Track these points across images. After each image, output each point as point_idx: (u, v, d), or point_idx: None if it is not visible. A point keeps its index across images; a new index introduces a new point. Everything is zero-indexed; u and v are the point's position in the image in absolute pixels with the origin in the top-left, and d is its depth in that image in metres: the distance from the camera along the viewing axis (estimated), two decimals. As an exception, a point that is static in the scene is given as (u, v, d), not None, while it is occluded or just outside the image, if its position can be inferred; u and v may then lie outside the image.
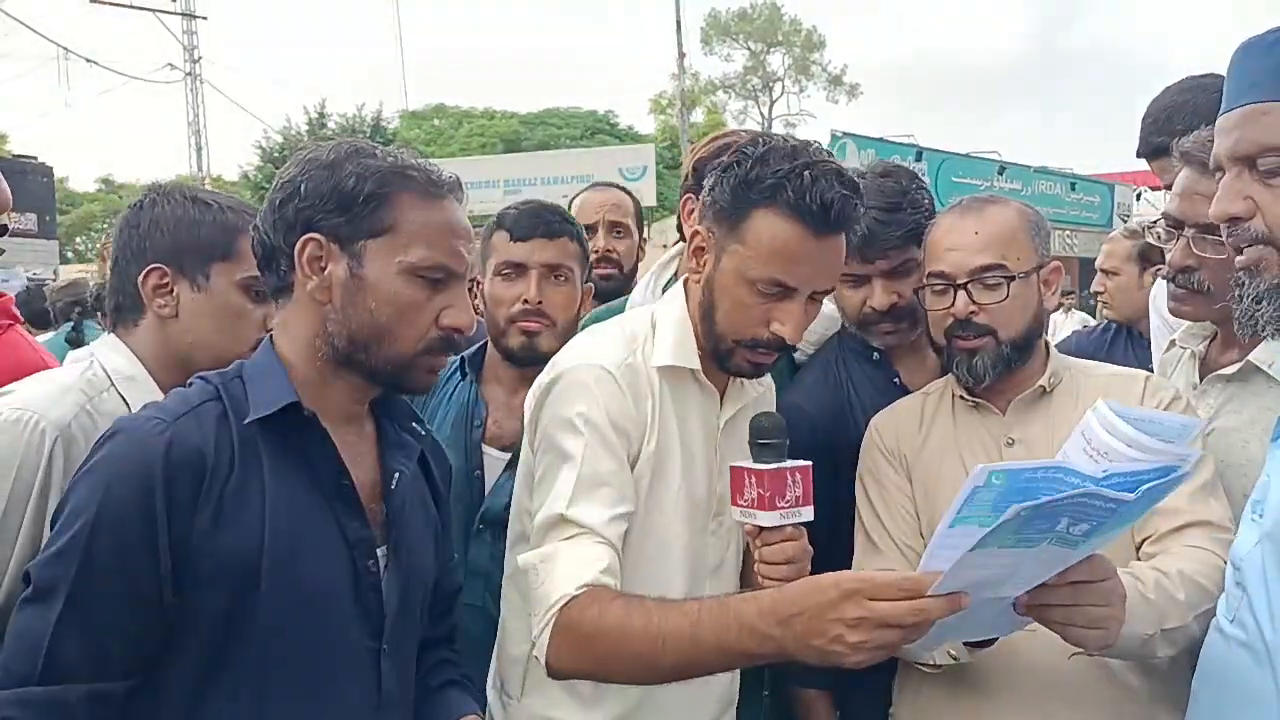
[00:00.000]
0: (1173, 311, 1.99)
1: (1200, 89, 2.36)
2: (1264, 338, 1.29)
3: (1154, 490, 1.14)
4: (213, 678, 1.28)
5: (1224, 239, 1.31)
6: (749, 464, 1.57)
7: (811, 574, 1.29)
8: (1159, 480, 1.14)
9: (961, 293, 1.78)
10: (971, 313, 1.77)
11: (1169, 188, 2.30)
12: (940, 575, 1.14)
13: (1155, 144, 2.39)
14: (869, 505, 1.89)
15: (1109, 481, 1.12)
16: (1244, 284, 1.27)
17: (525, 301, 2.14)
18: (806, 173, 1.55)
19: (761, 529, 1.54)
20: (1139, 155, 2.52)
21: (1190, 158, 1.83)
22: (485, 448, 2.18)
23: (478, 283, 2.26)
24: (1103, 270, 3.96)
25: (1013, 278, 1.76)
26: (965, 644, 1.60)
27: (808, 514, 1.55)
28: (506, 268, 2.18)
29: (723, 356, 1.68)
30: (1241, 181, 1.25)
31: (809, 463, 1.57)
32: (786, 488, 1.53)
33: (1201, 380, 1.95)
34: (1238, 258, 1.27)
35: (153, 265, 1.68)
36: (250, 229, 1.66)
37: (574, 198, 3.24)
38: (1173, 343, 2.09)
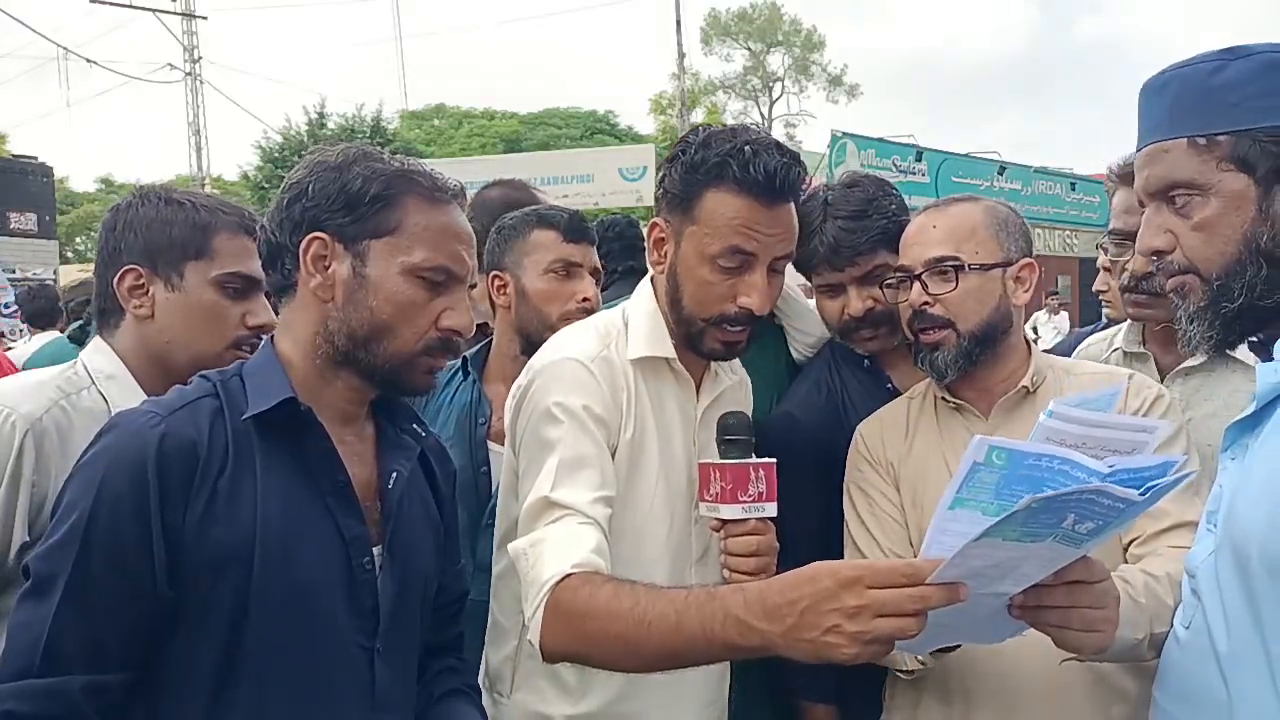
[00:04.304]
0: (1134, 316, 2.17)
1: None
2: (1199, 353, 1.37)
3: (1157, 490, 1.13)
4: (208, 671, 1.28)
5: (1154, 270, 1.40)
6: (714, 460, 1.62)
7: None
8: (1160, 479, 1.13)
9: (917, 283, 1.81)
10: (925, 303, 1.80)
11: None
12: (940, 562, 1.11)
13: None
14: (856, 515, 1.89)
15: (1116, 478, 1.10)
16: (1178, 306, 1.34)
17: (586, 300, 2.21)
18: (747, 147, 1.62)
19: (725, 522, 1.59)
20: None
21: (1127, 178, 2.04)
22: (490, 444, 2.19)
23: (500, 280, 2.28)
24: (1106, 269, 3.95)
25: (962, 267, 1.78)
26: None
27: (771, 509, 1.59)
28: (561, 265, 2.25)
29: (695, 339, 1.71)
30: (1160, 215, 1.33)
31: (773, 460, 1.62)
32: (749, 482, 1.58)
33: (1162, 379, 2.07)
34: (1167, 283, 1.35)
35: (127, 266, 1.69)
36: (227, 227, 1.70)
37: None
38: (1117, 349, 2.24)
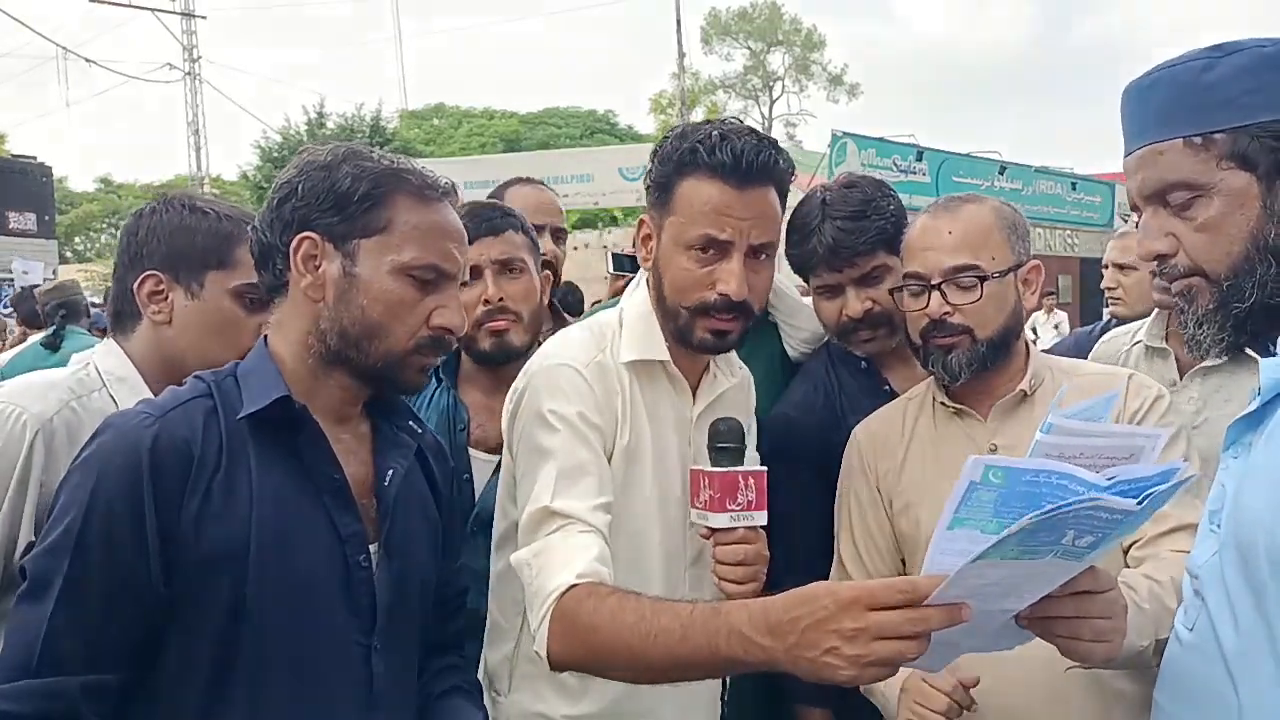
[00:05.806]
0: (1160, 304, 2.19)
1: None
2: (1208, 359, 1.35)
3: (1157, 498, 1.12)
4: (204, 669, 1.28)
5: (1157, 275, 1.37)
6: (704, 467, 1.62)
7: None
8: (1161, 485, 1.11)
9: (936, 293, 1.77)
10: (946, 313, 1.77)
11: None
12: (940, 581, 1.09)
13: None
14: (848, 528, 1.88)
15: (1115, 489, 1.08)
16: (1185, 310, 1.32)
17: (487, 301, 2.14)
18: (715, 133, 1.64)
19: (713, 530, 1.58)
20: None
21: None
22: (471, 451, 2.17)
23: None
24: (1117, 265, 3.87)
25: (986, 278, 1.75)
26: None
27: (760, 518, 1.59)
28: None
29: (683, 332, 1.70)
30: (1159, 219, 1.30)
31: (764, 468, 1.61)
32: (738, 491, 1.57)
33: (1181, 376, 2.06)
34: (1172, 286, 1.33)
35: (148, 272, 1.70)
36: (247, 236, 1.68)
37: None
38: (1138, 341, 2.23)
